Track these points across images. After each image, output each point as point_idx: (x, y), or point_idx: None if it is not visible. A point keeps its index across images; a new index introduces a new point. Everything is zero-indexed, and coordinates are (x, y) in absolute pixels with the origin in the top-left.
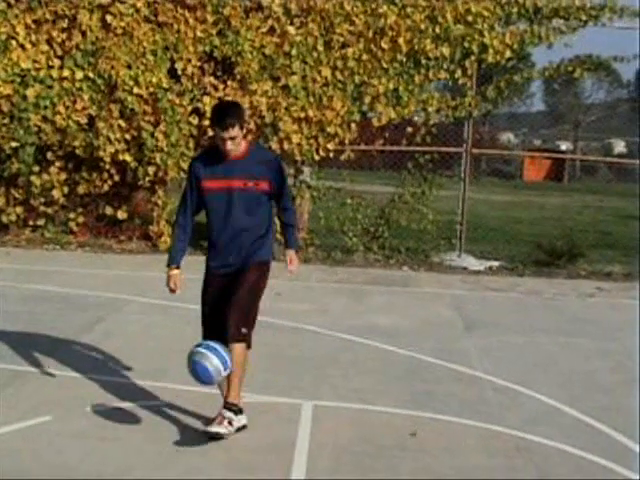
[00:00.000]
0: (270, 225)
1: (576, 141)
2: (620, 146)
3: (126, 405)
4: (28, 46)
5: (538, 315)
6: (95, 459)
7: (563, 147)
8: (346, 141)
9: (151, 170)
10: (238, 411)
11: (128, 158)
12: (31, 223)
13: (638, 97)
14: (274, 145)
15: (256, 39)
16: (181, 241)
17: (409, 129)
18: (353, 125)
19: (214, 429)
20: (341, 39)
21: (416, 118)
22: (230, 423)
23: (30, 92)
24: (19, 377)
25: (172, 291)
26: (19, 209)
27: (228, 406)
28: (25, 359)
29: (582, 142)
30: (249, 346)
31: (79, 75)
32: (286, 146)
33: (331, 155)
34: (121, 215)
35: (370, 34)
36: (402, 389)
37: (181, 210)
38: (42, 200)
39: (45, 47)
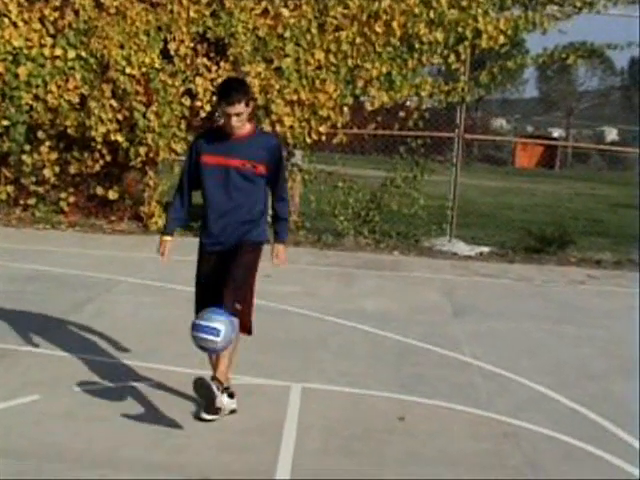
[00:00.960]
0: (265, 208)
1: (568, 128)
2: (612, 134)
3: (115, 385)
4: (20, 24)
5: (528, 301)
6: (83, 438)
7: (555, 134)
8: (338, 125)
9: (142, 151)
10: (229, 395)
11: (120, 138)
12: (22, 202)
13: (631, 85)
14: (266, 127)
15: (249, 21)
16: (177, 211)
17: (402, 113)
18: (346, 109)
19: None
20: (335, 22)
21: (409, 103)
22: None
23: (22, 70)
24: (7, 356)
25: (161, 255)
26: (10, 188)
27: (217, 384)
28: (14, 338)
29: (574, 129)
30: (250, 332)
31: (71, 54)
32: (278, 129)
33: (323, 138)
34: (112, 195)
35: (364, 17)
36: (391, 373)
37: (180, 185)
38: (33, 179)
39: (37, 25)
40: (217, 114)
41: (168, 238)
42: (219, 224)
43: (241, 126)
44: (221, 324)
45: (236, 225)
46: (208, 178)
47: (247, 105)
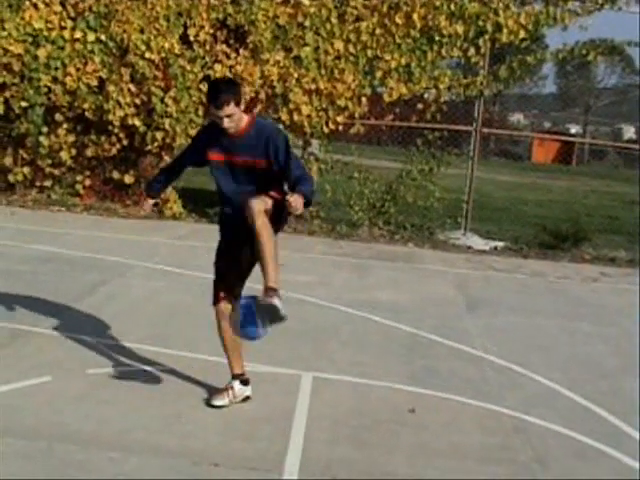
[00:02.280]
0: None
1: (586, 125)
2: (630, 132)
3: (126, 369)
4: (41, 6)
5: (541, 297)
6: (94, 421)
7: (573, 130)
8: (356, 115)
9: (159, 135)
10: (243, 382)
11: (137, 123)
12: (38, 184)
13: None
14: (284, 116)
15: (270, 9)
16: (162, 175)
17: (419, 106)
18: (364, 99)
19: (217, 402)
20: (355, 12)
21: (427, 95)
22: (233, 394)
23: (41, 52)
24: (20, 336)
25: (143, 209)
26: (26, 169)
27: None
28: (26, 319)
29: (592, 126)
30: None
31: (91, 37)
32: (296, 117)
33: (340, 128)
34: (128, 179)
35: (385, 8)
36: (402, 365)
37: (174, 161)
38: (49, 161)
39: (58, 8)
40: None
41: (150, 200)
42: (234, 217)
43: (235, 125)
44: (253, 328)
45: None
46: (217, 175)
47: (237, 105)
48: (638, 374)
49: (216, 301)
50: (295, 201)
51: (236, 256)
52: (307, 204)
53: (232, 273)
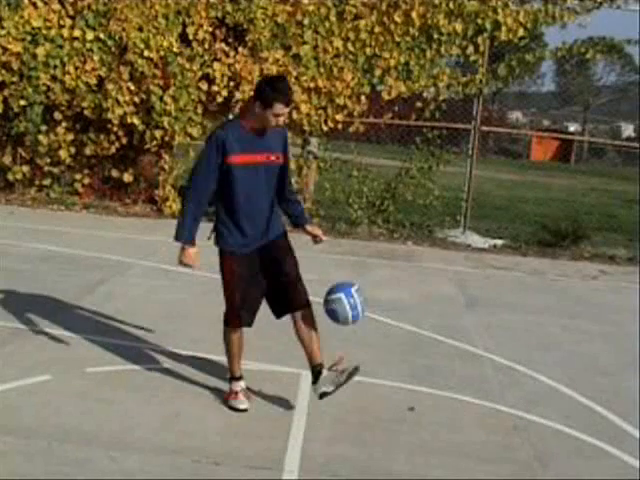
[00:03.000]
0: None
1: (585, 123)
2: (629, 130)
3: (126, 367)
4: (40, 4)
5: (540, 295)
6: (93, 419)
7: (572, 128)
8: (355, 113)
9: (158, 134)
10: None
11: (136, 121)
12: (37, 183)
13: None
14: None
15: (269, 7)
16: (195, 219)
17: (418, 104)
18: (363, 97)
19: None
20: (354, 10)
21: (426, 93)
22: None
23: (40, 51)
24: (19, 335)
25: (188, 266)
26: (25, 168)
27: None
28: (26, 318)
29: (591, 124)
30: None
31: (90, 36)
32: (295, 116)
33: (339, 127)
34: (127, 178)
35: (383, 7)
36: (402, 363)
37: (198, 183)
38: (48, 160)
39: (57, 6)
40: (257, 107)
41: (194, 250)
42: (250, 225)
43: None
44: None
45: (265, 221)
46: (237, 179)
47: None
48: (639, 373)
49: (236, 323)
50: (319, 231)
51: (258, 284)
52: None
53: (259, 292)
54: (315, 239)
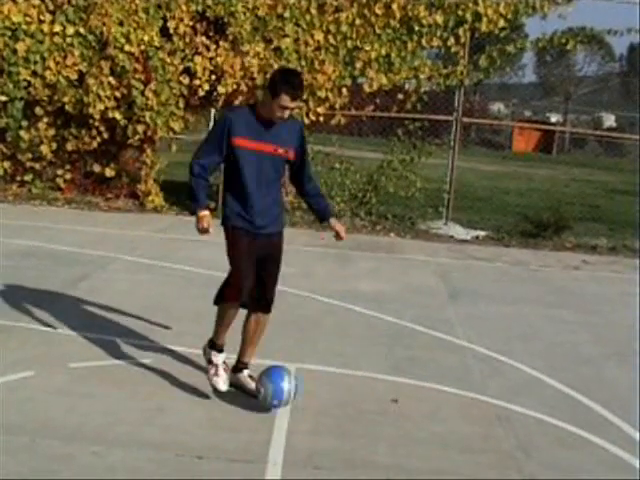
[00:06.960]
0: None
1: (566, 114)
2: (610, 120)
3: (109, 362)
4: (20, 0)
5: (522, 286)
6: (77, 415)
7: (553, 119)
8: (337, 106)
9: (140, 129)
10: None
11: (118, 116)
12: (18, 178)
13: (630, 71)
14: None
15: (249, 0)
16: (204, 185)
17: (400, 96)
18: (344, 90)
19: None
20: (335, 3)
21: (407, 85)
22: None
23: (20, 46)
24: (2, 331)
25: (205, 231)
26: (6, 164)
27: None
28: (8, 314)
29: (572, 115)
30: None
31: (70, 31)
32: None
33: (321, 119)
34: (109, 173)
35: None
36: (384, 355)
37: (205, 154)
38: (30, 155)
39: (37, 1)
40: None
41: (207, 213)
42: (253, 209)
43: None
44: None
45: (268, 210)
46: (242, 163)
47: None
48: (638, 372)
49: (237, 298)
50: (341, 229)
51: (251, 267)
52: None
53: (251, 271)
54: (337, 236)
